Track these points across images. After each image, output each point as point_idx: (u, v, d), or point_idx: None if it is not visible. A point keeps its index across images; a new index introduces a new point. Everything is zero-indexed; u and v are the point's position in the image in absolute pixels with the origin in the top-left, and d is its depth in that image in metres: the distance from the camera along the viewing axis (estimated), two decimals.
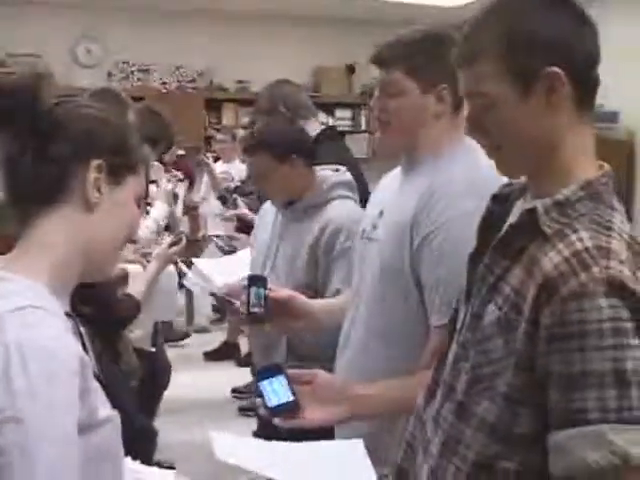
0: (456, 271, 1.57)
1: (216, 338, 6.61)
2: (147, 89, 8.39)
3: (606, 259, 1.20)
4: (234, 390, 5.57)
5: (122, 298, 2.72)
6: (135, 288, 2.82)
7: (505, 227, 1.39)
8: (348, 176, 2.80)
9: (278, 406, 1.70)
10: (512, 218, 1.40)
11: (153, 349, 3.38)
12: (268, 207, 2.92)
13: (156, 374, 3.77)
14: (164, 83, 8.87)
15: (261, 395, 1.72)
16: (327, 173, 2.77)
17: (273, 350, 2.63)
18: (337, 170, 2.81)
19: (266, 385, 1.72)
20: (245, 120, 8.33)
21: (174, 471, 1.65)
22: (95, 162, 1.26)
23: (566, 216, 1.28)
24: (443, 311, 1.72)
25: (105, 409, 1.24)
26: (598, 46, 1.34)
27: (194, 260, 3.16)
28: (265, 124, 3.00)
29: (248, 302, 2.20)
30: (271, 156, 2.68)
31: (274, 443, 1.75)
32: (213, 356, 6.34)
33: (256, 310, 2.19)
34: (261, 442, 1.80)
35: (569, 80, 1.29)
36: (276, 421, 1.70)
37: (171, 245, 3.07)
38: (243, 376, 5.28)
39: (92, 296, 2.17)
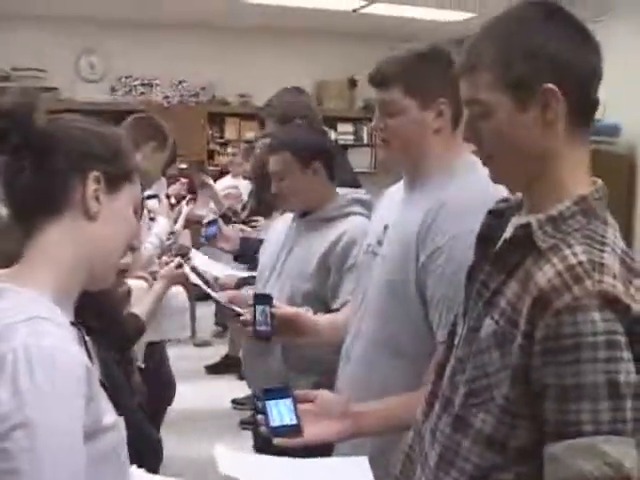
0: (461, 288, 1.58)
1: (218, 352, 6.61)
2: (150, 103, 8.43)
3: (599, 273, 1.22)
4: (234, 401, 5.59)
5: (128, 318, 2.70)
6: (141, 308, 2.81)
7: (500, 242, 1.40)
8: (366, 195, 2.80)
9: (280, 427, 1.70)
10: (507, 233, 1.41)
11: (142, 365, 3.35)
12: (283, 216, 2.91)
13: (159, 390, 3.77)
14: (167, 97, 8.91)
15: (264, 413, 1.72)
16: (346, 189, 2.77)
17: (268, 356, 2.60)
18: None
19: (272, 405, 1.73)
20: (249, 135, 8.38)
21: None
22: (93, 174, 1.31)
23: (560, 231, 1.30)
24: (448, 327, 1.73)
25: (110, 416, 1.27)
26: (600, 65, 1.35)
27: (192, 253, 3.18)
28: (294, 127, 2.99)
29: (254, 320, 2.22)
30: (294, 158, 2.64)
31: (278, 459, 1.74)
32: (215, 370, 6.35)
33: (262, 329, 2.22)
34: (265, 457, 1.79)
35: (566, 98, 1.30)
36: (276, 441, 1.70)
37: (178, 266, 3.05)
38: (244, 389, 5.28)
39: (99, 313, 2.18)
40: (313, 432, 1.74)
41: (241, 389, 5.41)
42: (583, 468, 1.18)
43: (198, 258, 3.42)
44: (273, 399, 1.74)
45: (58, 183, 1.29)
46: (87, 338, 1.34)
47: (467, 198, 1.80)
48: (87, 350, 1.31)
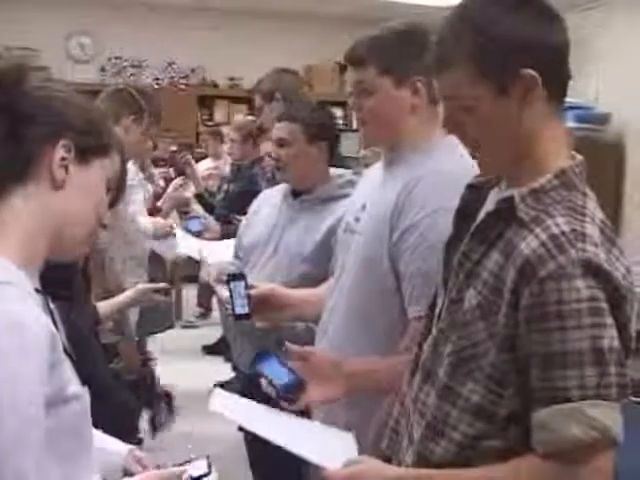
0: (435, 264, 1.59)
1: (203, 333, 6.63)
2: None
3: (582, 242, 1.24)
4: (216, 386, 5.61)
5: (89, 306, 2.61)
6: (106, 304, 2.68)
7: (481, 215, 1.42)
8: (356, 177, 2.79)
9: (286, 385, 1.73)
10: (488, 206, 1.43)
11: (137, 339, 3.33)
12: (267, 194, 2.91)
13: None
14: (157, 79, 8.88)
15: (264, 376, 1.75)
16: (341, 170, 2.78)
17: (266, 341, 2.59)
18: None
19: (267, 368, 1.76)
20: (238, 117, 8.34)
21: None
22: (62, 142, 1.28)
23: (542, 203, 1.32)
24: (421, 303, 1.74)
25: (74, 386, 1.24)
26: (567, 38, 1.37)
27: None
28: (309, 103, 3.01)
29: (232, 302, 2.22)
30: (303, 132, 2.67)
31: (270, 408, 1.77)
32: (211, 349, 6.45)
33: (240, 311, 2.23)
34: (257, 405, 1.80)
35: (543, 78, 1.32)
36: (283, 405, 1.74)
37: (155, 290, 2.81)
38: (227, 372, 5.28)
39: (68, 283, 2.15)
40: (312, 394, 1.76)
41: (225, 372, 5.43)
42: (571, 433, 1.21)
43: (184, 241, 3.41)
44: (264, 362, 1.77)
45: (27, 150, 1.27)
46: (52, 306, 1.33)
47: (444, 175, 1.81)
48: (52, 318, 1.28)
